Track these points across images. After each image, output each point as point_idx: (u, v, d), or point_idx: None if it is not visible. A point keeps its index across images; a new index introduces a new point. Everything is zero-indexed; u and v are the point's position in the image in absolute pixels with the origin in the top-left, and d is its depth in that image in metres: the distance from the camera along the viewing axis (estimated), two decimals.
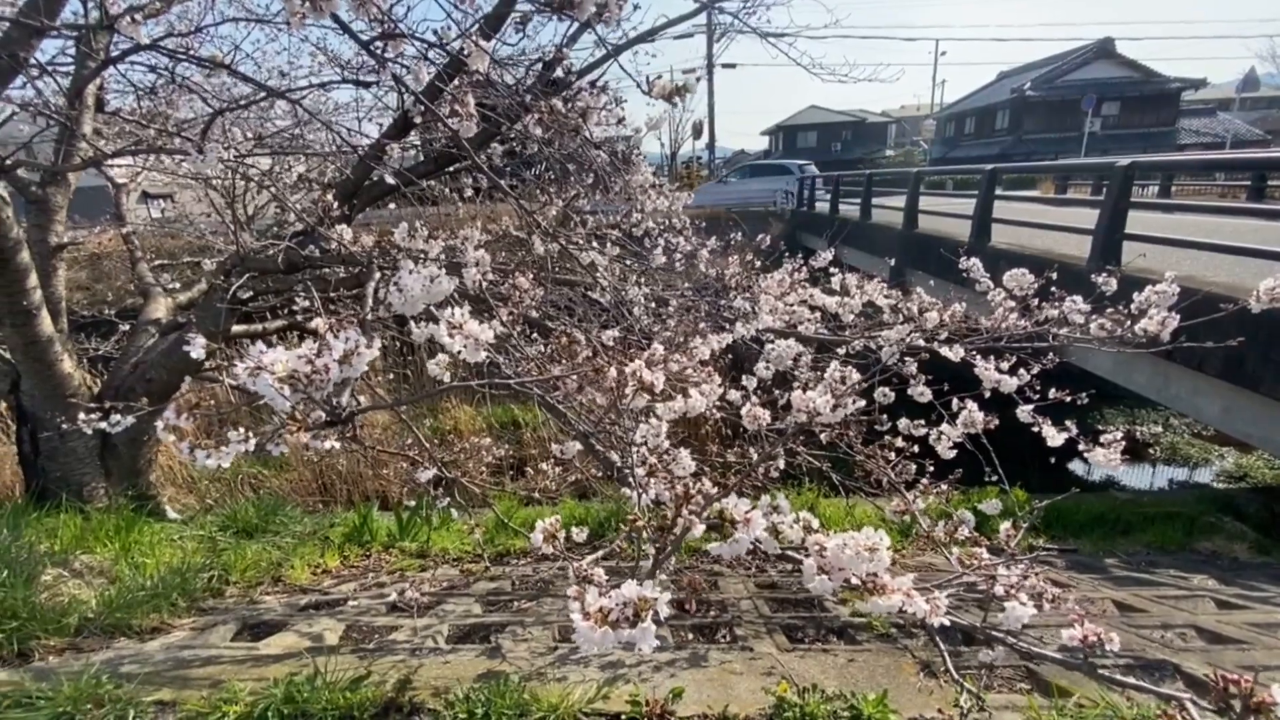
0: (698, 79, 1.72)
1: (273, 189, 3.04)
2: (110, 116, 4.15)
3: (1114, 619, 2.83)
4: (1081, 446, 2.43)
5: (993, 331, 2.92)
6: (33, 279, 3.35)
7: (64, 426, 3.25)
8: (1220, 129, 30.21)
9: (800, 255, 4.56)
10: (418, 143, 4.75)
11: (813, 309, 3.17)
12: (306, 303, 4.39)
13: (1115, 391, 5.00)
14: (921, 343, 2.71)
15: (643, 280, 3.78)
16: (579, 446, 2.70)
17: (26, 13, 2.74)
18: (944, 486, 2.40)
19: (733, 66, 22.86)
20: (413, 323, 2.28)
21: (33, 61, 3.19)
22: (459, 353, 1.47)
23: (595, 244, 3.78)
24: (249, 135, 3.39)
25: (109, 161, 3.86)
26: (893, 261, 7.68)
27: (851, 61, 4.59)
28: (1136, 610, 2.95)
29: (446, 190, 6.00)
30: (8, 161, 3.00)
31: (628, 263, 4.10)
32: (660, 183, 4.09)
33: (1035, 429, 2.55)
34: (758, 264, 4.87)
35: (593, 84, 3.43)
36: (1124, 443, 2.29)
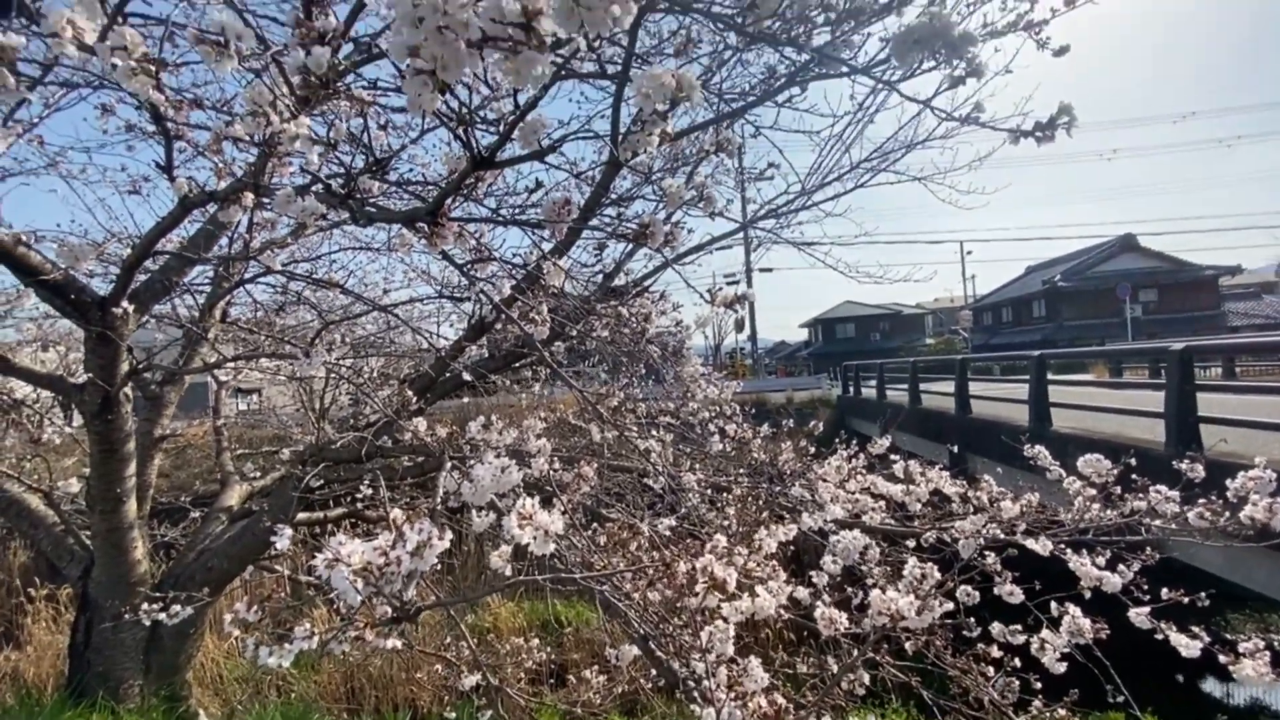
0: (738, 292, 1.92)
1: (359, 385, 3.36)
2: (229, 325, 4.79)
3: None
4: (1223, 659, 2.09)
5: (1077, 523, 2.72)
6: (131, 468, 3.62)
7: (125, 615, 3.25)
8: (1269, 310, 30.08)
9: (853, 441, 4.52)
10: (485, 340, 5.24)
11: (876, 497, 3.05)
12: (369, 491, 4.52)
13: (1234, 591, 4.40)
14: (1002, 535, 2.53)
15: (697, 466, 3.78)
16: (635, 651, 2.50)
17: (188, 246, 3.34)
18: (1062, 712, 2.06)
19: (770, 270, 24.97)
20: (474, 513, 2.31)
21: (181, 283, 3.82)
22: (528, 545, 1.48)
23: (650, 430, 3.87)
24: (345, 339, 3.83)
25: (227, 363, 4.37)
26: (954, 448, 7.49)
27: (884, 264, 4.99)
28: None
29: (508, 382, 6.41)
30: (140, 366, 3.43)
31: (681, 448, 4.14)
32: (709, 372, 4.29)
33: (1157, 636, 2.23)
34: (811, 450, 4.83)
35: (646, 289, 3.82)
36: (1267, 653, 1.96)
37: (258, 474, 5.06)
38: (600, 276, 3.93)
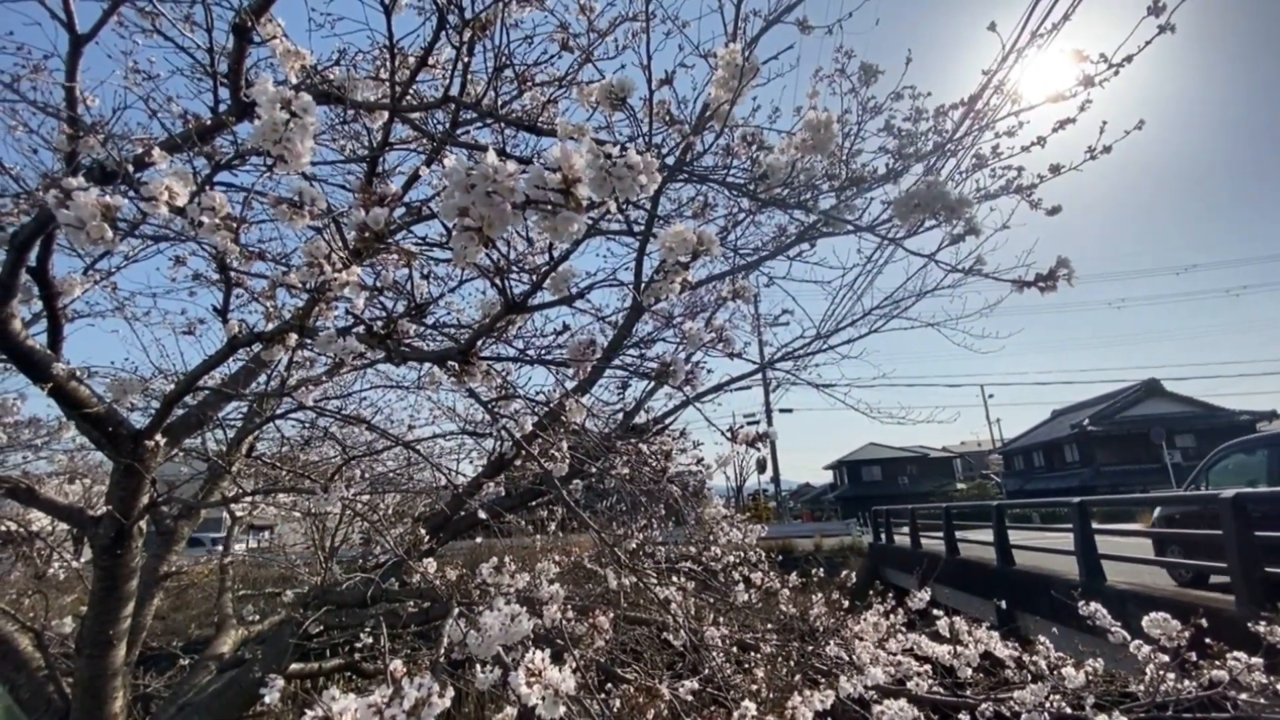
0: (759, 431, 1.92)
1: (373, 522, 3.30)
2: (253, 460, 4.84)
3: None
4: None
5: (1153, 696, 2.41)
6: (129, 608, 3.48)
7: None
8: None
9: (889, 593, 4.20)
10: (503, 477, 5.19)
11: (920, 659, 2.77)
12: (369, 640, 4.25)
13: None
14: (1069, 709, 2.24)
15: (721, 620, 3.51)
16: None
17: (229, 383, 3.49)
18: None
19: (790, 411, 25.09)
20: (479, 667, 2.14)
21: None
22: (534, 707, 1.35)
23: (670, 577, 3.66)
24: (364, 475, 3.83)
25: (246, 498, 4.36)
26: (1002, 603, 6.91)
27: (905, 405, 4.99)
28: None
29: (523, 522, 6.24)
30: (159, 499, 3.44)
31: (704, 597, 3.88)
32: (732, 514, 4.13)
33: None
34: (844, 603, 4.49)
35: (666, 426, 3.83)
36: None
37: (256, 617, 4.82)
38: (621, 414, 3.97)
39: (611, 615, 2.39)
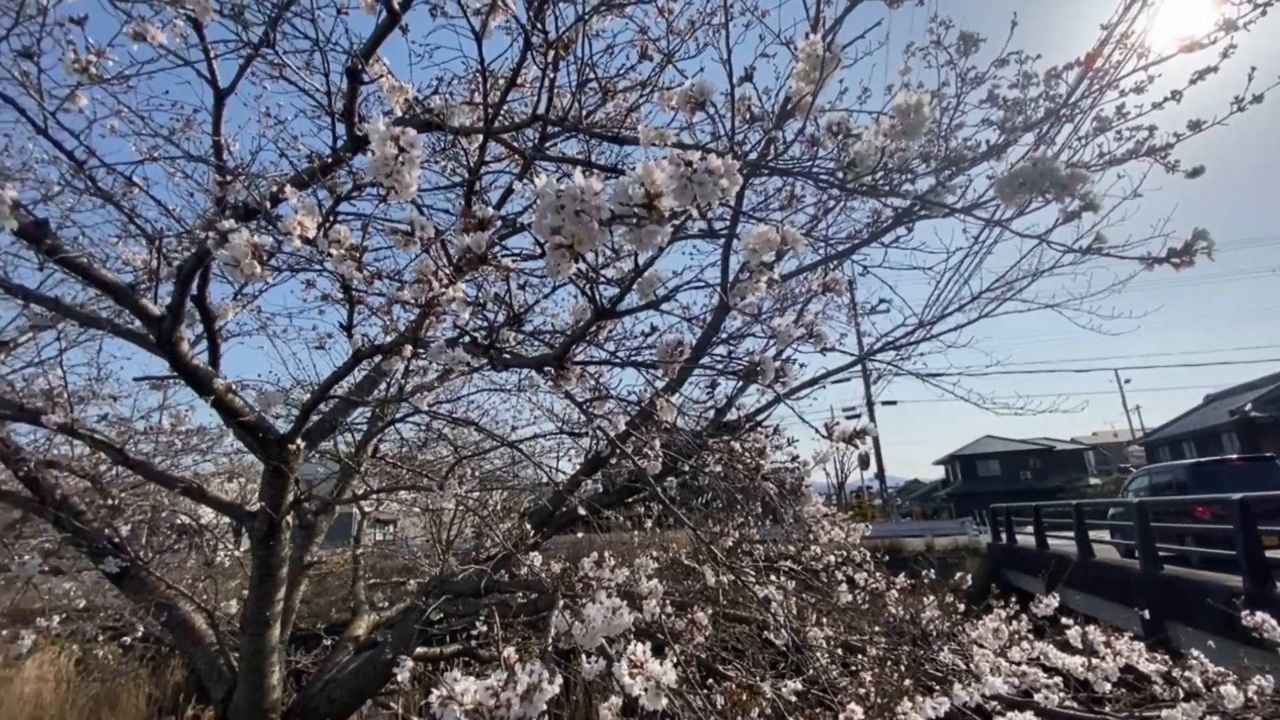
0: (858, 427, 1.86)
1: (483, 516, 3.53)
2: (377, 460, 5.30)
3: None
4: None
5: None
6: (282, 592, 3.93)
7: None
8: None
9: (1012, 598, 3.90)
10: (600, 475, 5.35)
11: (1048, 671, 2.55)
12: (484, 627, 4.53)
13: None
14: None
15: (824, 620, 3.42)
16: None
17: (354, 391, 3.86)
18: None
19: (893, 404, 23.82)
20: (584, 658, 2.23)
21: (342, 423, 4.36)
22: (638, 697, 1.40)
23: (769, 575, 3.62)
24: (474, 473, 4.10)
25: (373, 495, 4.81)
26: (1145, 613, 6.21)
27: (1023, 394, 4.59)
28: None
29: (621, 518, 6.39)
30: (302, 496, 3.86)
31: (805, 597, 3.80)
32: (833, 512, 4.01)
33: None
34: (960, 607, 4.23)
35: (759, 423, 3.78)
36: None
37: (385, 604, 5.27)
38: (712, 412, 3.96)
39: (710, 612, 2.40)
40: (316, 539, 4.63)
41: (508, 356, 1.69)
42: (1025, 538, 12.05)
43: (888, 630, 3.42)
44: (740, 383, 3.38)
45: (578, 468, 3.93)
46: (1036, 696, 2.40)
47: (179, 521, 5.26)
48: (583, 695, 7.44)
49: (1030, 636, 2.91)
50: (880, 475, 26.18)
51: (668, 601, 2.93)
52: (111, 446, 3.56)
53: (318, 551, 4.90)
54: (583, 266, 1.41)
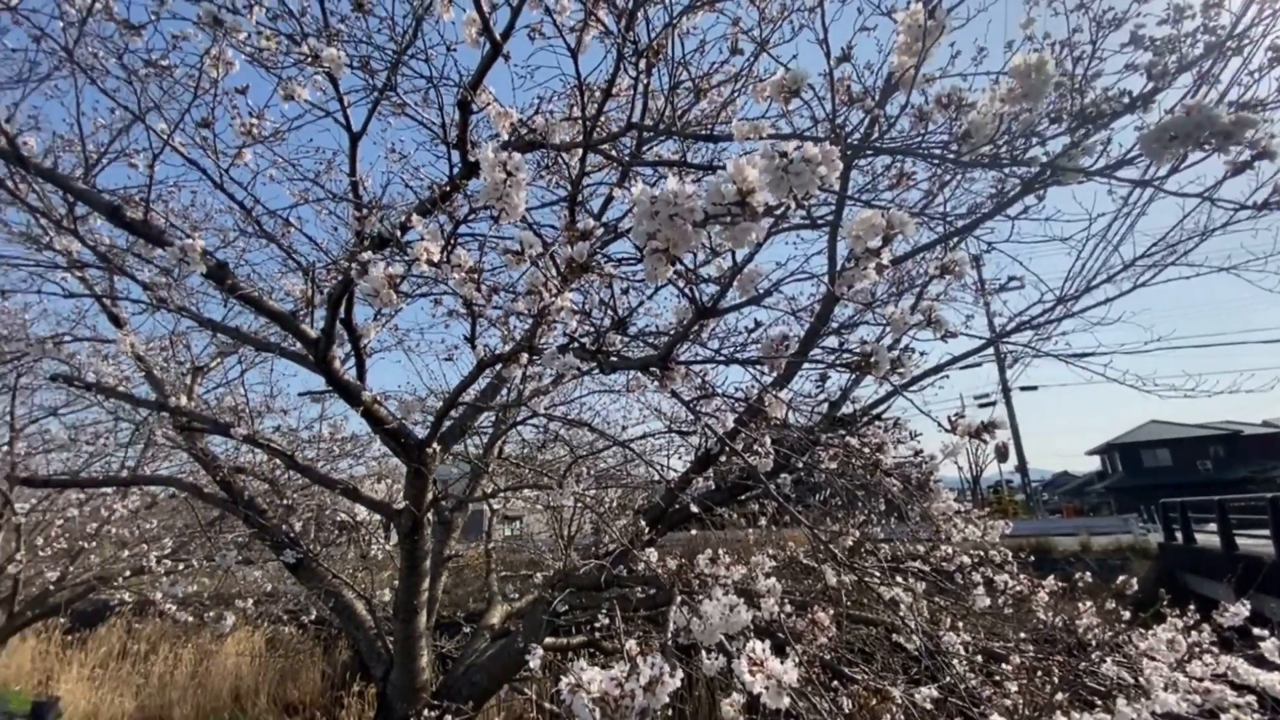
0: (987, 419, 1.71)
1: (600, 514, 3.69)
2: (503, 460, 5.67)
3: None
4: None
5: None
6: (426, 583, 4.32)
7: (409, 718, 3.72)
8: None
9: (1190, 605, 3.41)
10: (711, 472, 5.35)
11: (1238, 689, 2.20)
12: (606, 621, 4.70)
13: None
14: None
15: (960, 625, 3.19)
16: None
17: (480, 398, 4.15)
18: None
19: (1033, 389, 21.51)
20: (704, 654, 2.25)
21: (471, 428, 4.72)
22: (759, 695, 1.39)
23: (895, 576, 3.43)
24: (590, 472, 4.28)
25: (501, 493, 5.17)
26: None
27: (1193, 373, 3.98)
28: None
29: (735, 516, 6.34)
30: (439, 495, 4.21)
31: (938, 601, 3.57)
32: (967, 509, 3.72)
33: None
34: (1124, 614, 3.77)
35: (878, 416, 3.59)
36: None
37: (516, 595, 5.62)
38: (825, 406, 3.83)
39: (832, 612, 2.33)
40: (453, 534, 5.03)
41: (614, 359, 1.75)
42: (1206, 536, 10.45)
43: (1036, 637, 3.13)
44: (853, 375, 3.22)
45: (688, 465, 3.96)
46: (1224, 718, 2.08)
47: (340, 518, 5.95)
48: (706, 691, 7.47)
49: (1215, 649, 2.52)
50: (1021, 468, 23.85)
51: (786, 600, 2.87)
52: (284, 453, 4.09)
53: (455, 546, 5.32)
54: (681, 268, 1.44)
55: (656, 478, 3.91)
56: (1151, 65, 1.79)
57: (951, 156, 1.47)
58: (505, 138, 2.26)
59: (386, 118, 3.52)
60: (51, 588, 8.13)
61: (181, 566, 6.73)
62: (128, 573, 7.81)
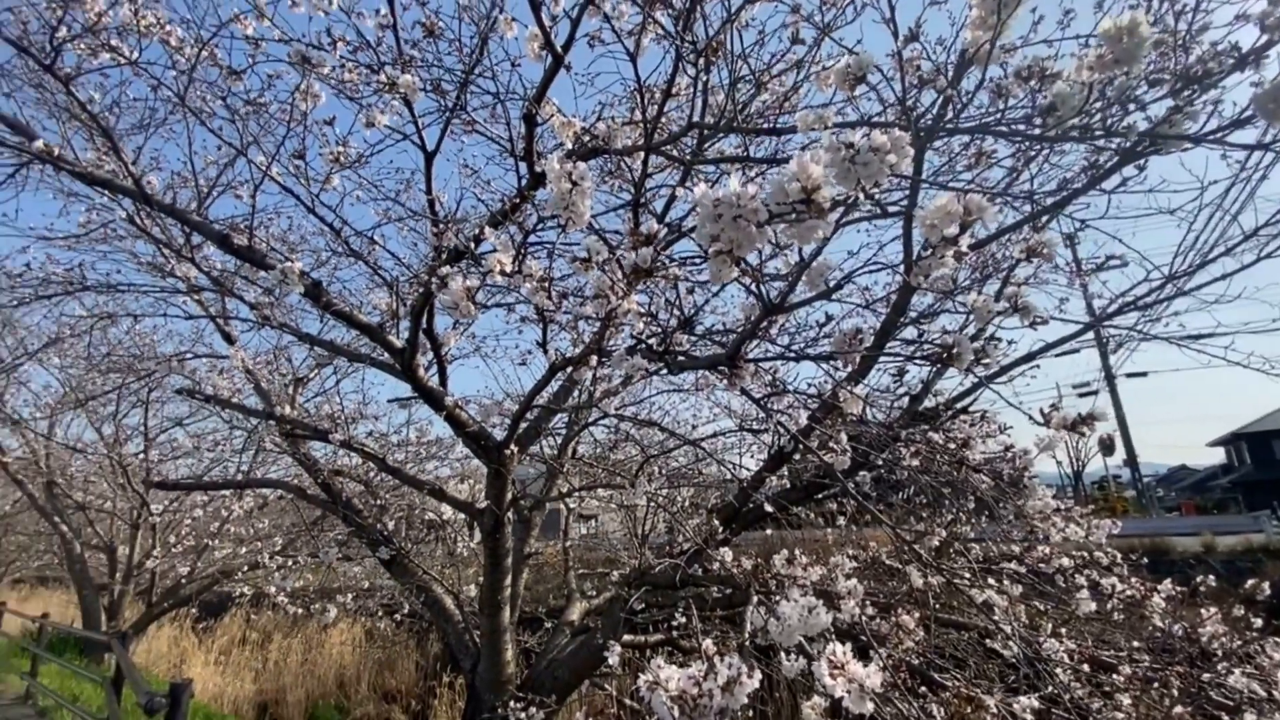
0: (1085, 411, 1.59)
1: (673, 513, 3.71)
2: (577, 461, 5.80)
3: None
4: None
5: None
6: (508, 579, 4.49)
7: (497, 710, 3.88)
8: None
9: None
10: (785, 471, 5.25)
11: None
12: (682, 619, 4.72)
13: None
14: None
15: (1063, 631, 2.98)
16: None
17: (553, 400, 4.27)
18: None
19: (1142, 375, 19.57)
20: (784, 655, 2.22)
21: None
22: (841, 699, 1.36)
23: (987, 579, 3.25)
24: (661, 471, 4.31)
25: (576, 493, 5.31)
26: None
27: None
28: None
29: (812, 515, 6.19)
30: (519, 495, 4.36)
31: (1036, 605, 3.34)
32: (1067, 506, 3.45)
33: None
34: (1256, 621, 3.40)
35: (962, 410, 3.40)
36: None
37: (594, 593, 5.74)
38: (906, 400, 3.67)
39: (918, 615, 2.24)
40: (533, 533, 5.20)
41: (682, 359, 1.76)
42: None
43: (1151, 646, 2.87)
44: (934, 368, 3.08)
45: (761, 464, 3.90)
46: None
47: (428, 517, 6.27)
48: (787, 693, 7.34)
49: None
50: (1131, 461, 21.87)
51: (869, 603, 2.78)
52: (376, 457, 4.37)
53: (534, 544, 5.49)
54: (745, 266, 1.43)
55: (729, 477, 3.88)
56: (1265, 15, 1.60)
57: (1036, 133, 1.38)
58: (569, 146, 2.32)
59: (458, 136, 3.69)
60: (183, 580, 9.05)
61: (290, 562, 7.32)
62: (245, 567, 8.58)
